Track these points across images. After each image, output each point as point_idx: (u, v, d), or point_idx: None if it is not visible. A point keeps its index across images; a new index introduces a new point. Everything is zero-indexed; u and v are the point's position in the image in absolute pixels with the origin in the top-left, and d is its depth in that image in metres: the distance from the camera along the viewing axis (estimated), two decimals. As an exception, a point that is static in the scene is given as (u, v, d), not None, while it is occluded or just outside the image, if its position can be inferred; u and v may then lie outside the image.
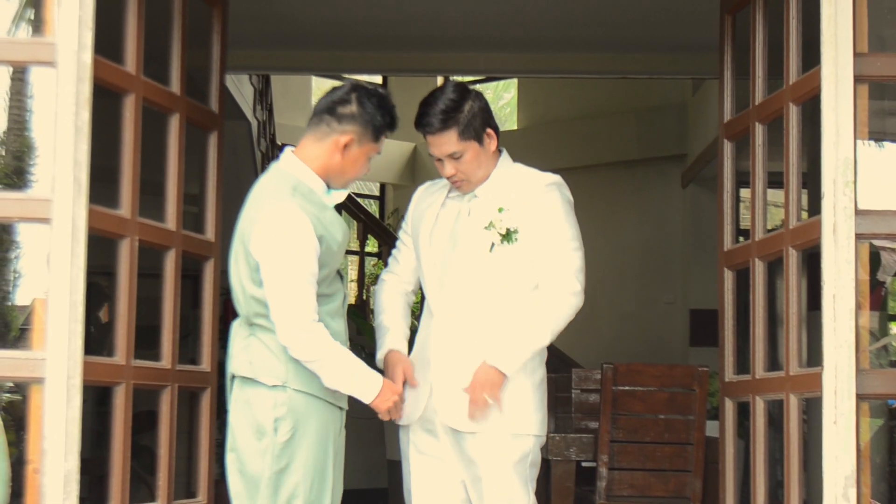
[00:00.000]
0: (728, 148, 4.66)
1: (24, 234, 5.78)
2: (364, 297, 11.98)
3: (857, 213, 3.67)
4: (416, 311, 4.16)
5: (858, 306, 3.66)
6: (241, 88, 9.11)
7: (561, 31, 7.46)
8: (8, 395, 5.17)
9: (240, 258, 3.51)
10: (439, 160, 3.83)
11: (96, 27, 3.67)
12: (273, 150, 10.90)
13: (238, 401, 3.55)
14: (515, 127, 14.26)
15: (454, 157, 3.79)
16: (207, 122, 4.51)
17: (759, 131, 4.35)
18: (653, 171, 11.94)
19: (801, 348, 4.05)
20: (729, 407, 4.54)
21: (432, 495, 3.88)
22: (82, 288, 3.61)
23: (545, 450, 5.23)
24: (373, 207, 15.70)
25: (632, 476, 5.39)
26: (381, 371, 3.91)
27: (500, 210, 3.79)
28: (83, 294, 3.61)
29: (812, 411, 4.32)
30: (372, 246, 13.95)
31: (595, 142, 12.40)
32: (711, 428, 5.35)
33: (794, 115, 4.07)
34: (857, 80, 3.70)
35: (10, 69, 5.80)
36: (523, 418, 3.81)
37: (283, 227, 3.41)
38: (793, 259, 4.03)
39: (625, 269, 11.98)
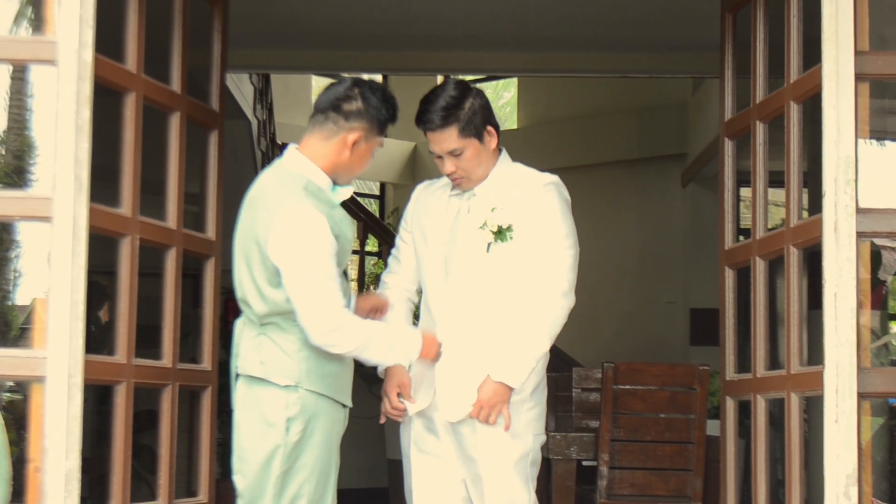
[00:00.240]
0: (729, 147, 4.66)
1: (25, 233, 5.79)
2: (364, 297, 11.94)
3: (858, 211, 3.67)
4: (417, 311, 4.16)
5: (859, 305, 3.66)
6: (242, 87, 9.11)
7: (561, 31, 7.46)
8: (9, 393, 5.17)
9: (254, 260, 3.47)
10: (439, 157, 3.83)
11: (97, 26, 3.67)
12: (273, 150, 10.91)
13: (246, 400, 3.52)
14: (515, 126, 14.26)
15: (454, 154, 3.79)
16: (208, 121, 4.51)
17: (760, 130, 4.35)
18: (653, 170, 11.94)
19: (801, 347, 4.05)
20: (730, 406, 4.54)
21: (433, 494, 3.88)
22: (83, 287, 3.61)
23: (546, 449, 5.23)
24: (373, 206, 15.70)
25: (632, 475, 5.39)
26: (382, 373, 3.93)
27: (493, 210, 3.79)
28: (84, 293, 3.61)
29: (813, 410, 4.32)
30: (372, 245, 13.94)
31: (595, 141, 12.40)
32: (712, 427, 5.35)
33: (794, 113, 4.07)
34: (858, 78, 3.70)
35: (11, 68, 5.80)
36: (520, 416, 3.82)
37: (304, 229, 3.39)
38: (794, 258, 4.03)
39: (625, 268, 11.98)
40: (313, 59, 8.57)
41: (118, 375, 3.89)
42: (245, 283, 3.51)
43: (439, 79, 10.56)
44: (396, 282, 4.02)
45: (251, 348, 3.52)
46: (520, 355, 3.75)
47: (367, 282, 12.13)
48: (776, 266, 4.28)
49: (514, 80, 15.26)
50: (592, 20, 7.23)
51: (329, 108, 3.56)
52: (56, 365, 3.56)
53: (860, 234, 3.68)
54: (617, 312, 11.95)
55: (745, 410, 4.52)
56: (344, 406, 3.59)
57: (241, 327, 3.59)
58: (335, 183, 3.57)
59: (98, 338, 6.14)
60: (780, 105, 4.15)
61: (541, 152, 12.02)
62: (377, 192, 16.12)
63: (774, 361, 4.32)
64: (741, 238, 4.59)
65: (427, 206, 3.97)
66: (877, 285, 5.90)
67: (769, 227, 4.35)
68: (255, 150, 9.90)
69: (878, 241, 4.20)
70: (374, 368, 3.97)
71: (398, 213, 14.28)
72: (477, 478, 3.81)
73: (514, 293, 3.80)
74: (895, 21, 4.28)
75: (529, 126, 13.55)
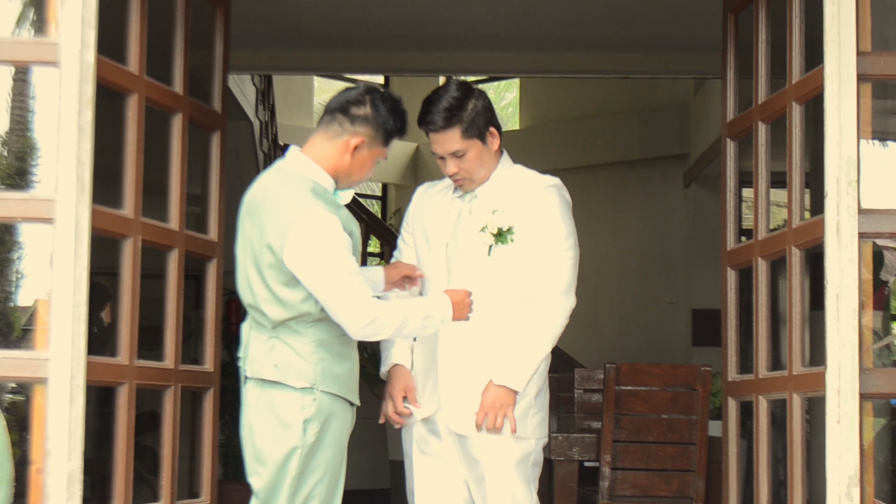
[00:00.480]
0: (731, 147, 4.66)
1: (27, 235, 5.79)
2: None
3: (861, 212, 3.67)
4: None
5: (861, 305, 3.66)
6: (244, 89, 9.12)
7: (563, 31, 7.47)
8: (11, 395, 5.18)
9: (267, 266, 3.44)
10: (441, 158, 3.83)
11: (99, 27, 3.67)
12: (275, 151, 10.92)
13: (259, 403, 3.50)
14: (517, 127, 14.27)
15: (457, 155, 3.79)
16: (210, 122, 4.51)
17: (762, 131, 4.35)
18: (655, 170, 11.95)
19: (804, 348, 4.05)
20: (732, 406, 4.54)
21: (435, 495, 3.88)
22: (85, 288, 3.61)
23: (548, 450, 5.23)
24: (375, 207, 15.71)
25: (634, 476, 5.39)
26: (385, 375, 3.93)
27: (494, 212, 3.79)
28: (86, 294, 3.61)
29: (815, 411, 4.33)
30: (374, 246, 13.95)
31: (597, 141, 12.41)
32: (714, 428, 5.35)
33: (796, 114, 4.07)
34: (861, 79, 3.70)
35: (13, 70, 5.81)
36: (526, 420, 3.81)
37: (322, 232, 3.38)
38: (796, 258, 4.03)
39: (627, 268, 11.99)
40: (315, 60, 8.58)
41: (120, 377, 3.89)
42: (258, 290, 3.48)
43: (441, 79, 10.57)
44: (398, 282, 4.02)
45: (263, 352, 3.50)
46: (522, 358, 3.75)
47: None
48: (778, 267, 4.28)
49: (516, 82, 15.27)
50: (594, 20, 7.24)
51: (337, 109, 3.55)
52: (58, 366, 3.55)
53: (862, 235, 3.68)
54: (619, 313, 11.96)
55: (747, 411, 4.52)
56: (352, 405, 3.59)
57: (248, 330, 3.57)
58: (336, 186, 3.57)
59: (100, 339, 6.16)
60: (782, 106, 4.14)
61: (542, 153, 12.04)
62: (379, 193, 16.13)
63: (776, 362, 4.32)
64: (743, 239, 4.59)
65: (428, 207, 3.97)
66: (879, 286, 5.90)
67: (771, 227, 4.35)
68: (257, 151, 9.91)
69: (880, 242, 4.20)
70: (377, 369, 3.97)
71: (400, 214, 14.29)
72: (479, 479, 3.81)
73: (515, 295, 3.80)
74: (897, 21, 4.28)
75: (531, 127, 13.56)
